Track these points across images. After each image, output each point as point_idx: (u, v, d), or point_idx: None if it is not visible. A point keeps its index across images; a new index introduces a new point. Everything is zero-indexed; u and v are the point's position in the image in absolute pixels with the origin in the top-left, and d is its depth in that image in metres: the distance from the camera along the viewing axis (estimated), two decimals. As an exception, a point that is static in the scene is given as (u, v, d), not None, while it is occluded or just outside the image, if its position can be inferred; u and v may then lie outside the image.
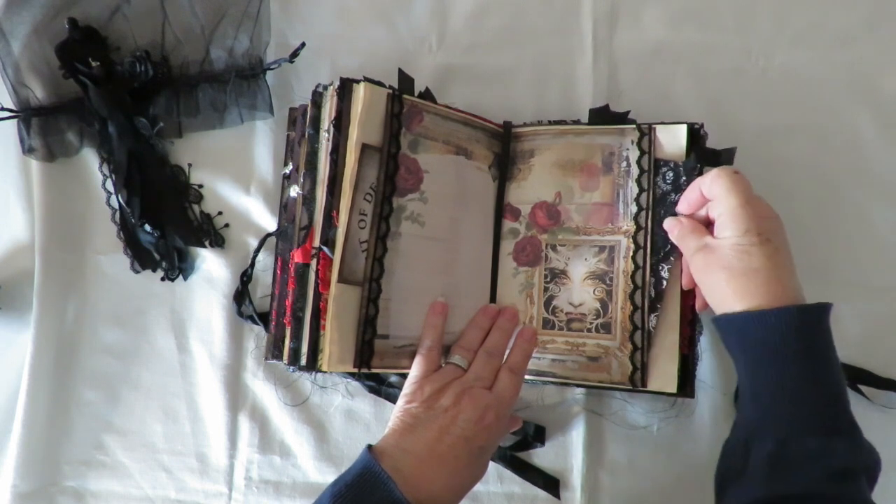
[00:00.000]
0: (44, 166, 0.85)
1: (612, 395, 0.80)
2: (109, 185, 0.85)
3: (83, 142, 0.85)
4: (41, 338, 0.83)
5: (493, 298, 0.80)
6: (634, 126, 0.78)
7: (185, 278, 0.85)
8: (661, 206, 0.76)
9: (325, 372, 0.72)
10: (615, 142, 0.78)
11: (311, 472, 0.82)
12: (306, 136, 0.76)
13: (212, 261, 0.85)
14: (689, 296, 0.74)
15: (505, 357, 0.74)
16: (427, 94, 0.80)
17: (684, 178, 0.75)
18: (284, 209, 0.81)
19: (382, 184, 0.73)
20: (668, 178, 0.76)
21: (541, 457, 0.81)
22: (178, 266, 0.84)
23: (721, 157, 0.76)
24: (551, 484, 0.80)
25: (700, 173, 0.74)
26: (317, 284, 0.71)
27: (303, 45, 0.83)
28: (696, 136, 0.76)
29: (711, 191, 0.67)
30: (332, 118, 0.73)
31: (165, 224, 0.84)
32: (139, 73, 0.82)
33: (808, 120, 0.85)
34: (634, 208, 0.76)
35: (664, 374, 0.73)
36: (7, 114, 0.83)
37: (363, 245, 0.72)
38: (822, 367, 0.62)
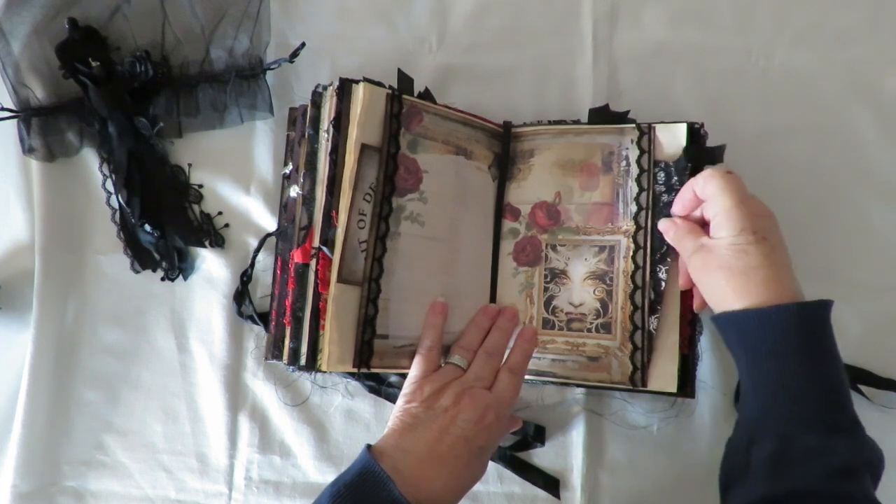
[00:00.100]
0: (44, 166, 0.85)
1: (612, 395, 0.80)
2: (109, 185, 0.85)
3: (83, 142, 0.85)
4: (41, 338, 0.83)
5: (493, 298, 0.80)
6: (634, 125, 0.78)
7: (185, 278, 0.85)
8: (655, 206, 0.76)
9: (325, 372, 0.72)
10: (615, 141, 0.78)
11: (311, 472, 0.82)
12: (306, 136, 0.76)
13: (212, 261, 0.85)
14: (688, 296, 0.74)
15: (505, 357, 0.74)
16: (427, 94, 0.80)
17: (676, 177, 0.75)
18: (284, 209, 0.81)
19: (382, 184, 0.73)
20: (659, 178, 0.76)
21: (541, 457, 0.81)
22: (178, 266, 0.84)
23: (711, 156, 0.76)
24: (551, 484, 0.80)
25: (692, 173, 0.74)
26: (316, 284, 0.71)
27: (303, 45, 0.83)
28: (696, 135, 0.76)
29: (705, 191, 0.67)
30: (332, 118, 0.73)
31: (165, 224, 0.84)
32: (139, 73, 0.82)
33: (808, 120, 0.85)
34: (634, 208, 0.76)
35: (664, 374, 0.73)
36: (7, 114, 0.83)
37: (362, 245, 0.72)
38: (823, 364, 0.62)
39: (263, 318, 0.82)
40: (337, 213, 0.71)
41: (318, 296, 0.70)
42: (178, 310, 0.85)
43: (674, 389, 0.73)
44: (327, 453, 0.82)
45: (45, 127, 0.84)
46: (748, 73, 0.86)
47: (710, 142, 0.76)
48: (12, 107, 0.83)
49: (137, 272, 0.85)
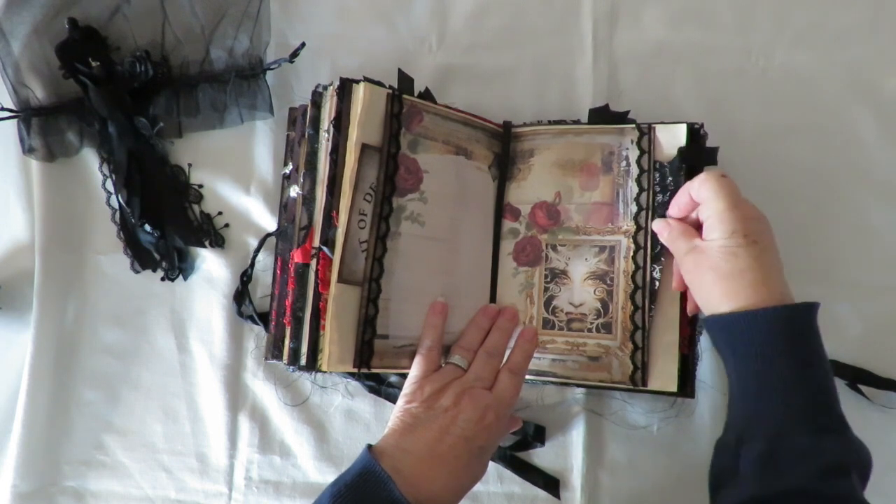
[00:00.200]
0: (44, 166, 0.85)
1: (612, 394, 0.80)
2: (109, 185, 0.85)
3: (83, 142, 0.85)
4: (41, 338, 0.83)
5: (493, 298, 0.80)
6: (634, 125, 0.78)
7: (185, 278, 0.85)
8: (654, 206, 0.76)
9: (325, 372, 0.72)
10: (615, 141, 0.78)
11: (311, 472, 0.82)
12: (306, 136, 0.76)
13: (212, 261, 0.85)
14: (689, 297, 0.74)
15: (505, 357, 0.74)
16: (427, 94, 0.80)
17: (670, 178, 0.75)
18: (284, 209, 0.81)
19: (382, 184, 0.73)
20: (655, 179, 0.76)
21: (541, 457, 0.81)
22: (178, 266, 0.84)
23: (705, 156, 0.76)
24: (551, 484, 0.80)
25: (688, 174, 0.75)
26: (316, 284, 0.71)
27: (303, 45, 0.83)
28: (696, 136, 0.76)
29: (699, 194, 0.68)
30: (332, 118, 0.73)
31: (165, 224, 0.84)
32: (139, 73, 0.82)
33: (808, 120, 0.85)
34: (634, 208, 0.76)
35: (665, 374, 0.73)
36: (7, 114, 0.83)
37: (363, 245, 0.72)
38: (810, 366, 0.63)
39: (263, 318, 0.82)
40: (337, 213, 0.71)
41: (318, 296, 0.70)
42: (178, 310, 0.85)
43: (674, 389, 0.73)
44: (327, 453, 0.82)
45: (45, 127, 0.84)
46: (748, 73, 0.86)
47: (711, 142, 0.76)
48: (12, 107, 0.83)
49: (137, 272, 0.85)
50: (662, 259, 0.74)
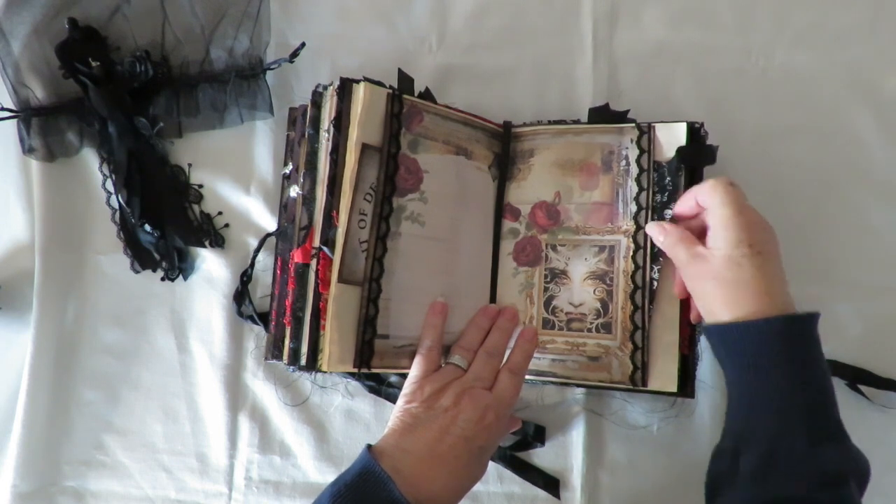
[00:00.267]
0: (44, 166, 0.85)
1: (612, 394, 0.80)
2: (109, 185, 0.85)
3: (83, 142, 0.85)
4: (41, 338, 0.83)
5: (493, 298, 0.80)
6: (634, 125, 0.78)
7: (185, 278, 0.85)
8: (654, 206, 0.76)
9: (325, 372, 0.72)
10: (614, 140, 0.78)
11: (311, 472, 0.82)
12: (306, 136, 0.76)
13: (212, 261, 0.85)
14: (688, 297, 0.74)
15: (505, 357, 0.74)
16: (427, 94, 0.80)
17: (669, 178, 0.75)
18: (284, 209, 0.81)
19: (382, 184, 0.73)
20: (653, 178, 0.76)
21: (541, 457, 0.81)
22: (178, 266, 0.84)
23: (704, 156, 0.76)
24: (551, 484, 0.80)
25: (687, 174, 0.75)
26: (317, 284, 0.71)
27: (303, 45, 0.83)
28: (696, 135, 0.76)
29: (706, 200, 0.67)
30: (332, 118, 0.73)
31: (165, 224, 0.84)
32: (139, 73, 0.82)
33: (808, 120, 0.85)
34: (634, 207, 0.76)
35: (664, 374, 0.73)
36: (7, 114, 0.83)
37: (363, 245, 0.72)
38: (809, 375, 0.62)
39: (263, 318, 0.82)
40: (337, 213, 0.71)
41: (318, 296, 0.70)
42: (178, 310, 0.85)
43: (674, 389, 0.73)
44: (327, 453, 0.82)
45: (45, 127, 0.84)
46: (748, 73, 0.86)
47: (711, 142, 0.76)
48: (12, 107, 0.83)
49: (137, 272, 0.85)
50: (661, 259, 0.74)
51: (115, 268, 0.86)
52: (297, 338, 0.72)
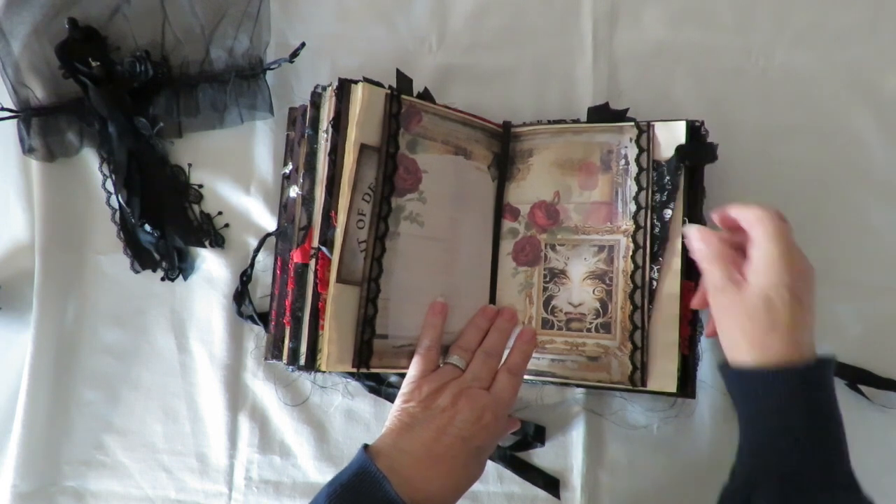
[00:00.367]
0: (44, 166, 0.85)
1: (612, 394, 0.80)
2: (109, 185, 0.85)
3: (83, 142, 0.85)
4: (41, 338, 0.83)
5: (492, 298, 0.80)
6: (633, 123, 0.78)
7: (185, 278, 0.85)
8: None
9: (325, 372, 0.72)
10: (614, 140, 0.78)
11: (311, 472, 0.82)
12: (305, 136, 0.76)
13: (212, 261, 0.85)
14: (687, 296, 0.74)
15: (504, 358, 0.74)
16: (426, 95, 0.80)
17: (668, 177, 0.75)
18: (284, 209, 0.81)
19: (381, 184, 0.73)
20: (652, 178, 0.76)
21: (541, 457, 0.81)
22: (178, 266, 0.84)
23: (704, 154, 0.76)
24: (551, 484, 0.80)
25: (687, 172, 0.75)
26: (315, 284, 0.71)
27: (303, 45, 0.83)
28: (696, 134, 0.76)
29: (752, 232, 0.65)
30: (331, 118, 0.73)
31: (165, 224, 0.84)
32: (139, 73, 0.82)
33: (808, 120, 0.85)
34: (633, 207, 0.76)
35: (664, 374, 0.73)
36: (7, 114, 0.83)
37: (362, 245, 0.72)
38: (824, 424, 0.62)
39: (263, 318, 0.82)
40: (336, 213, 0.71)
41: (317, 296, 0.70)
42: (178, 310, 0.85)
43: (673, 389, 0.73)
44: (327, 453, 0.82)
45: (45, 127, 0.84)
46: (748, 73, 0.86)
47: (711, 141, 0.76)
48: (12, 107, 0.83)
49: (137, 272, 0.85)
50: (661, 259, 0.74)
51: (115, 268, 0.86)
52: (296, 338, 0.72)
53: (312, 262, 0.71)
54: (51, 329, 0.84)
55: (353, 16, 0.89)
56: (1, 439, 0.83)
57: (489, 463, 0.79)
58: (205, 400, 0.84)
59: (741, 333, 0.64)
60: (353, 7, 0.89)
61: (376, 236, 0.73)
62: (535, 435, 0.80)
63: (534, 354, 0.76)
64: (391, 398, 0.81)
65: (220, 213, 0.86)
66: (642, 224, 0.75)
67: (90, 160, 0.86)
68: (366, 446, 0.66)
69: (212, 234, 0.85)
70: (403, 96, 0.76)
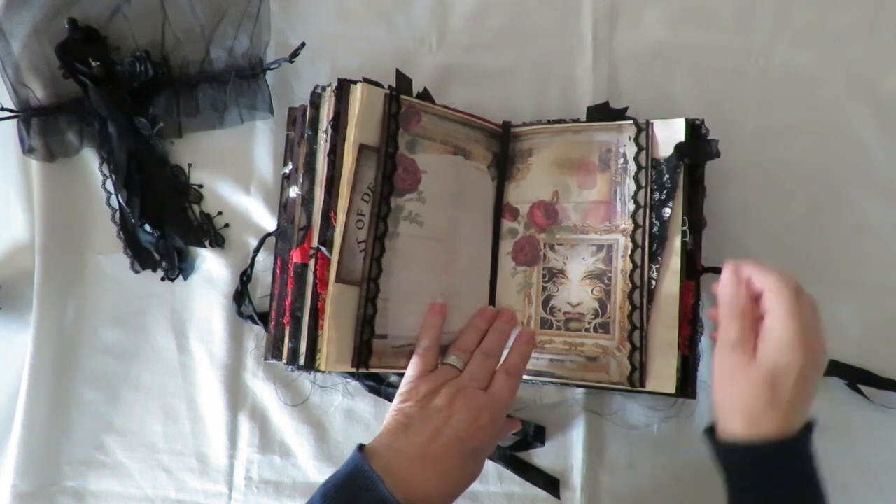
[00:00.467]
0: (44, 166, 0.85)
1: (613, 394, 0.80)
2: (109, 185, 0.85)
3: (83, 142, 0.85)
4: (41, 338, 0.83)
5: (492, 298, 0.80)
6: (631, 121, 0.77)
7: (185, 278, 0.85)
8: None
9: (324, 372, 0.72)
10: (612, 138, 0.78)
11: (311, 472, 0.82)
12: (305, 136, 0.76)
13: (212, 261, 0.85)
14: (687, 296, 0.73)
15: (503, 359, 0.74)
16: (425, 95, 0.80)
17: (667, 176, 0.75)
18: (284, 209, 0.81)
19: (380, 184, 0.73)
20: (651, 176, 0.76)
21: (541, 457, 0.81)
22: (178, 266, 0.84)
23: (703, 151, 0.75)
24: (551, 484, 0.80)
25: (687, 170, 0.74)
26: (315, 284, 0.71)
27: (303, 45, 0.83)
28: (696, 132, 0.76)
29: (769, 301, 0.62)
30: (330, 119, 0.73)
31: (165, 224, 0.84)
32: (139, 73, 0.82)
33: (808, 120, 0.85)
34: (632, 206, 0.76)
35: (663, 374, 0.73)
36: (7, 114, 0.83)
37: (361, 245, 0.72)
38: (808, 495, 0.62)
39: (263, 318, 0.82)
40: (335, 213, 0.71)
41: (316, 296, 0.70)
42: (178, 310, 0.85)
43: (672, 390, 0.72)
44: (327, 453, 0.82)
45: (45, 127, 0.84)
46: (748, 73, 0.86)
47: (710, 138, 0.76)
48: (12, 107, 0.84)
49: (137, 272, 0.85)
50: (659, 258, 0.74)
51: (115, 268, 0.86)
52: (296, 338, 0.72)
53: (312, 262, 0.71)
54: (51, 329, 0.84)
55: (353, 16, 0.89)
56: (1, 439, 0.83)
57: (489, 463, 0.79)
58: (205, 400, 0.84)
59: (739, 403, 0.63)
60: (353, 7, 0.89)
61: (375, 236, 0.73)
62: (535, 435, 0.80)
63: (533, 355, 0.76)
64: (391, 398, 0.80)
65: (220, 213, 0.86)
66: (641, 223, 0.75)
67: (90, 160, 0.86)
68: (361, 446, 0.65)
69: (212, 234, 0.85)
70: (403, 96, 0.76)
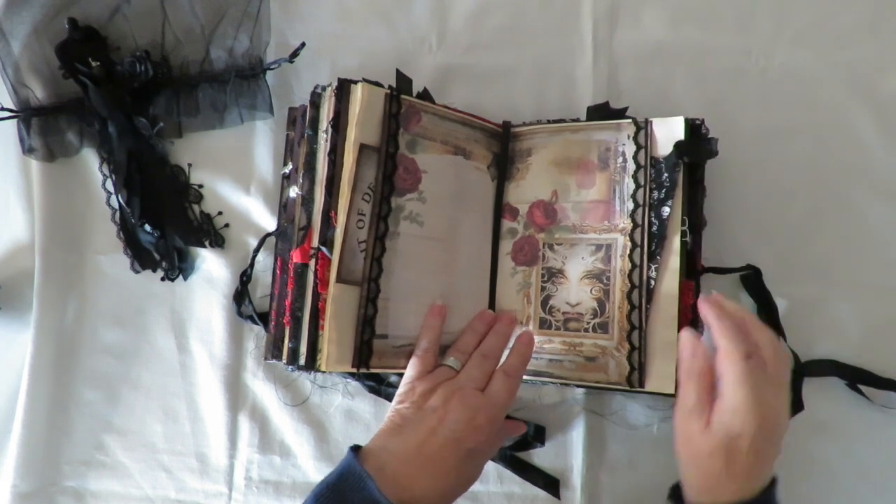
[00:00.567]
0: (44, 166, 0.85)
1: (613, 394, 0.80)
2: (109, 185, 0.85)
3: (83, 142, 0.85)
4: (41, 338, 0.83)
5: (492, 298, 0.80)
6: (630, 120, 0.77)
7: (185, 278, 0.85)
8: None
9: (324, 372, 0.72)
10: (611, 137, 0.78)
11: (311, 472, 0.82)
12: (305, 136, 0.76)
13: (212, 261, 0.85)
14: (687, 296, 0.73)
15: (502, 360, 0.74)
16: (425, 95, 0.80)
17: (666, 174, 0.74)
18: (284, 209, 0.81)
19: (381, 184, 0.73)
20: (650, 175, 0.76)
21: (541, 457, 0.81)
22: (178, 266, 0.84)
23: (703, 149, 0.75)
24: (551, 484, 0.80)
25: (687, 169, 0.74)
26: (315, 284, 0.70)
27: (303, 45, 0.83)
28: (696, 132, 0.75)
29: (720, 366, 0.63)
30: (331, 119, 0.73)
31: (165, 224, 0.84)
32: (139, 73, 0.82)
33: (808, 120, 0.85)
34: (631, 205, 0.75)
35: (662, 375, 0.72)
36: (7, 114, 0.83)
37: (362, 245, 0.72)
38: None
39: (263, 318, 0.82)
40: (336, 213, 0.71)
41: (317, 296, 0.70)
42: (178, 310, 0.85)
43: (671, 390, 0.71)
44: (327, 453, 0.82)
45: (45, 127, 0.84)
46: (748, 73, 0.86)
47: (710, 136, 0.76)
48: (12, 107, 0.84)
49: (137, 272, 0.85)
50: (658, 257, 0.74)
51: (115, 268, 0.86)
52: (296, 338, 0.72)
53: (312, 262, 0.71)
54: (51, 329, 0.84)
55: (353, 16, 0.89)
56: (1, 439, 0.83)
57: (489, 463, 0.79)
58: (205, 400, 0.84)
59: (697, 471, 0.64)
60: (353, 7, 0.89)
61: (376, 236, 0.72)
62: (535, 435, 0.80)
63: (532, 355, 0.76)
64: (391, 398, 0.80)
65: (220, 213, 0.86)
66: (640, 222, 0.75)
67: (90, 160, 0.86)
68: (355, 448, 0.65)
69: (212, 234, 0.85)
70: (403, 96, 0.76)
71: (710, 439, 0.62)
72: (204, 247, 0.84)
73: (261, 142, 0.86)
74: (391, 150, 0.74)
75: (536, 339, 0.76)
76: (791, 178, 0.83)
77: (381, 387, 0.81)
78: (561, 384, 0.78)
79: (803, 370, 0.79)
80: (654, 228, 0.74)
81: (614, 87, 0.87)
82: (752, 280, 0.80)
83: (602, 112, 0.81)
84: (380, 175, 0.73)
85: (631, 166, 0.76)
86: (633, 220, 0.75)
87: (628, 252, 0.75)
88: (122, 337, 0.85)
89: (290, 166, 0.80)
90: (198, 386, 0.84)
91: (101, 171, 0.85)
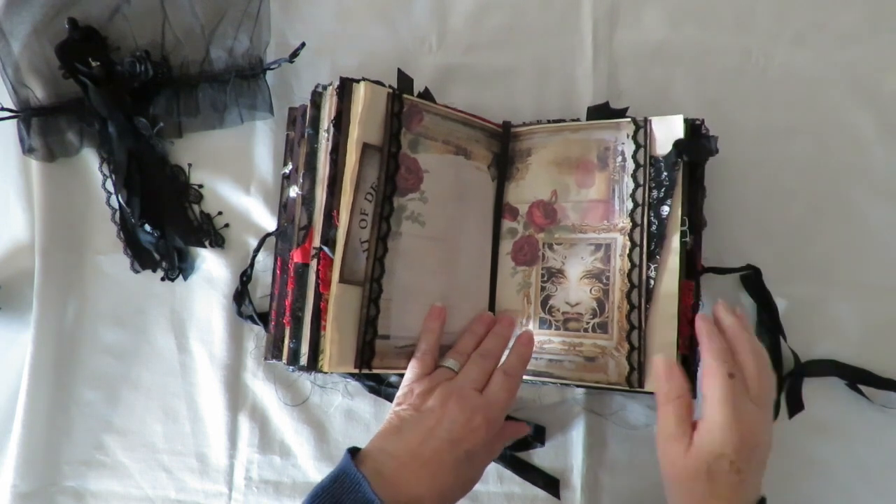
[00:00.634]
0: (44, 166, 0.85)
1: (613, 394, 0.80)
2: (109, 185, 0.85)
3: (83, 142, 0.85)
4: (41, 338, 0.83)
5: (492, 298, 0.80)
6: (629, 119, 0.77)
7: (185, 278, 0.85)
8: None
9: (326, 372, 0.72)
10: (611, 136, 0.78)
11: (311, 472, 0.82)
12: (305, 135, 0.75)
13: (212, 261, 0.85)
14: (687, 295, 0.73)
15: (502, 361, 0.73)
16: (426, 94, 0.80)
17: (665, 173, 0.74)
18: (284, 209, 0.81)
19: (383, 183, 0.73)
20: (650, 174, 0.75)
21: (541, 457, 0.81)
22: (178, 266, 0.84)
23: (702, 148, 0.75)
24: (551, 484, 0.80)
25: (687, 168, 0.74)
26: (317, 284, 0.70)
27: (303, 45, 0.83)
28: (696, 132, 0.75)
29: (703, 384, 0.65)
30: (332, 118, 0.72)
31: (165, 224, 0.84)
32: (139, 73, 0.82)
33: (808, 120, 0.85)
34: (630, 204, 0.75)
35: (661, 375, 0.73)
36: (7, 114, 0.83)
37: (364, 245, 0.72)
38: None
39: (263, 318, 0.81)
40: (338, 212, 0.71)
41: (319, 296, 0.70)
42: (178, 310, 0.85)
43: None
44: (327, 453, 0.82)
45: (45, 127, 0.84)
46: (748, 73, 0.86)
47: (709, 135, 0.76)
48: (12, 107, 0.83)
49: (137, 272, 0.85)
50: (658, 257, 0.74)
51: (115, 268, 0.86)
52: (296, 338, 0.72)
53: (314, 263, 0.71)
54: (51, 329, 0.84)
55: (353, 16, 0.89)
56: (1, 439, 0.83)
57: (489, 465, 0.79)
58: (205, 400, 0.84)
59: (682, 495, 0.64)
60: (353, 7, 0.89)
61: (379, 236, 0.72)
62: (535, 435, 0.80)
63: (532, 355, 0.76)
64: (391, 398, 0.81)
65: (220, 213, 0.86)
66: (639, 221, 0.75)
67: (90, 160, 0.86)
68: (352, 450, 0.65)
69: (212, 234, 0.85)
70: (405, 96, 0.76)
71: (693, 461, 0.62)
72: (204, 247, 0.84)
73: (261, 142, 0.86)
74: (394, 149, 0.74)
75: (536, 339, 0.76)
76: (791, 178, 0.84)
77: (381, 387, 0.81)
78: (561, 384, 0.78)
79: (803, 370, 0.79)
80: (654, 228, 0.74)
81: (614, 87, 0.87)
82: (752, 280, 0.80)
83: (602, 112, 0.81)
84: (382, 174, 0.73)
85: (630, 165, 0.76)
86: (633, 220, 0.75)
87: (628, 251, 0.75)
88: (122, 337, 0.85)
89: (290, 166, 0.80)
90: (198, 386, 0.84)
91: (101, 171, 0.85)
